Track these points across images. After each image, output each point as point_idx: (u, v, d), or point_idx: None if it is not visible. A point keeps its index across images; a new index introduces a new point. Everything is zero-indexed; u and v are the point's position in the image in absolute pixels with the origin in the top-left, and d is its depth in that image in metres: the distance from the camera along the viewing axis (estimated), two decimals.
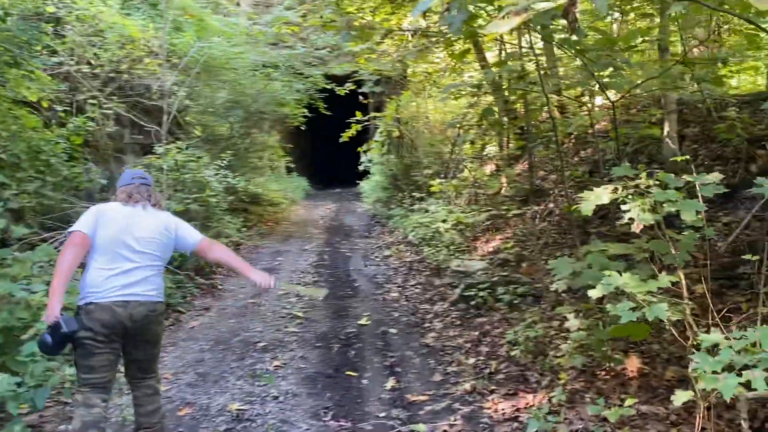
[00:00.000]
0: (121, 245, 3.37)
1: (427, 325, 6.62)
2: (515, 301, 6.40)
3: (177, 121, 11.92)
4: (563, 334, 5.26)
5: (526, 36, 8.01)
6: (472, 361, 5.45)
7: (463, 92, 8.87)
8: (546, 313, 6.02)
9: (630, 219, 3.10)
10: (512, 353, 5.28)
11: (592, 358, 4.60)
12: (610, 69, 5.61)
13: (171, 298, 7.05)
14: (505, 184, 10.04)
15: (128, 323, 3.30)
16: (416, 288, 8.08)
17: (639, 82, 5.93)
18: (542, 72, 5.62)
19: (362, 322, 6.78)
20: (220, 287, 8.29)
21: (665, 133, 6.86)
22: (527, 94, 6.98)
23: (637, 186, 3.20)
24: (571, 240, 7.45)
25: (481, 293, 6.74)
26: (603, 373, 4.64)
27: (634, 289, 2.97)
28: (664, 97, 6.76)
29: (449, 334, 6.23)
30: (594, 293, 3.17)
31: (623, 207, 3.15)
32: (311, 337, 6.30)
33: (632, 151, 8.25)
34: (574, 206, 8.04)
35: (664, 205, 3.04)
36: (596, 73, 5.95)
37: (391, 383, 5.11)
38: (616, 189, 3.26)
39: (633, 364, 4.48)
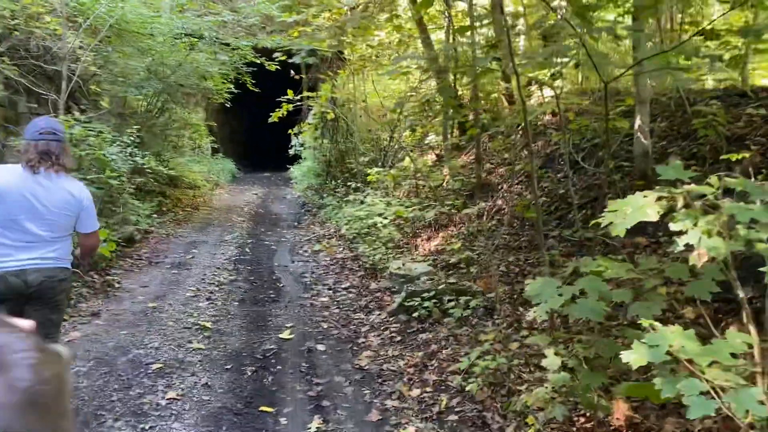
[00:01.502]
0: (20, 220, 3.24)
1: (361, 340, 5.51)
2: (465, 314, 5.37)
3: (81, 90, 10.30)
4: (530, 366, 4.25)
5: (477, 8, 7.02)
6: (416, 393, 4.38)
7: (414, 66, 7.75)
8: (502, 331, 5.02)
9: (687, 246, 2.06)
10: (466, 386, 4.23)
11: (572, 403, 3.60)
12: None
13: None
14: (448, 177, 9.03)
15: (24, 290, 3.26)
16: (349, 292, 6.95)
17: (631, 63, 4.95)
18: (505, 47, 4.57)
19: (284, 335, 5.60)
20: (117, 286, 6.90)
21: (636, 126, 5.96)
22: (480, 77, 5.94)
23: (702, 197, 2.14)
24: (525, 242, 6.49)
25: (426, 303, 5.68)
26: (583, 419, 3.67)
27: (697, 356, 1.95)
28: (638, 85, 5.85)
29: (388, 353, 5.14)
30: (633, 359, 2.11)
31: (674, 226, 2.12)
32: (220, 356, 5.07)
33: (590, 146, 7.37)
34: (521, 205, 7.13)
35: (740, 226, 1.99)
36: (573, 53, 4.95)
37: (315, 424, 3.98)
38: (667, 199, 2.21)
39: (621, 412, 3.51)
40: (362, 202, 9.55)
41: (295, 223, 11.87)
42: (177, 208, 12.32)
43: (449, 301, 5.62)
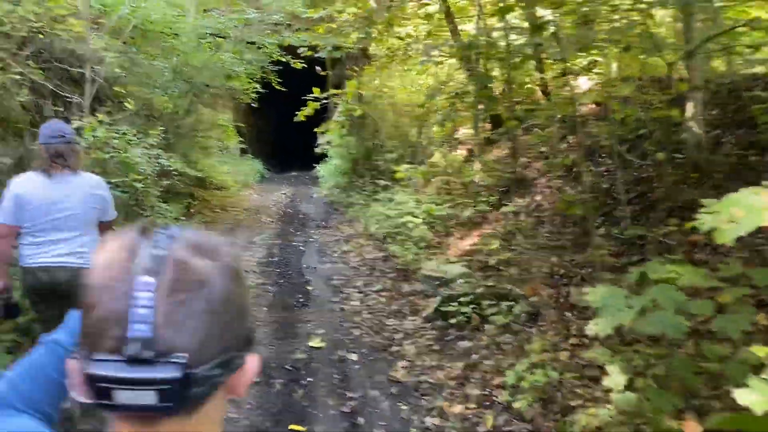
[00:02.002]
0: (48, 224, 3.40)
1: (395, 348, 5.14)
2: (507, 321, 4.96)
3: (107, 92, 10.11)
4: (585, 379, 3.84)
5: None
6: (458, 409, 4.00)
7: (446, 54, 7.29)
8: (549, 339, 4.60)
9: None
10: (514, 403, 3.83)
11: (636, 425, 3.18)
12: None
13: None
14: (480, 172, 8.59)
15: (52, 287, 3.40)
16: (381, 295, 6.58)
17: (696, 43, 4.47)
18: (549, 32, 4.13)
19: (315, 343, 5.25)
20: None
21: (689, 114, 5.47)
22: (521, 64, 5.47)
23: None
24: (569, 241, 6.05)
25: (464, 309, 5.29)
26: None
27: None
28: (691, 70, 5.36)
29: (425, 363, 4.76)
30: (753, 402, 1.69)
31: None
32: None
33: (635, 137, 6.88)
34: (564, 202, 6.68)
35: None
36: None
37: None
38: None
39: None
40: (391, 200, 9.17)
41: (323, 223, 11.54)
42: (205, 210, 12.10)
43: (489, 306, 5.21)
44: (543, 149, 8.56)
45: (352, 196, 12.06)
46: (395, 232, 8.22)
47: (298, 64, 11.48)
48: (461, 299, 5.39)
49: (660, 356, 2.98)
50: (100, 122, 7.92)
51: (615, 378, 2.89)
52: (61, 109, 9.66)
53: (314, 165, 17.06)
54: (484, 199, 7.74)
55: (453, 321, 5.27)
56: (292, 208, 13.49)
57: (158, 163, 8.39)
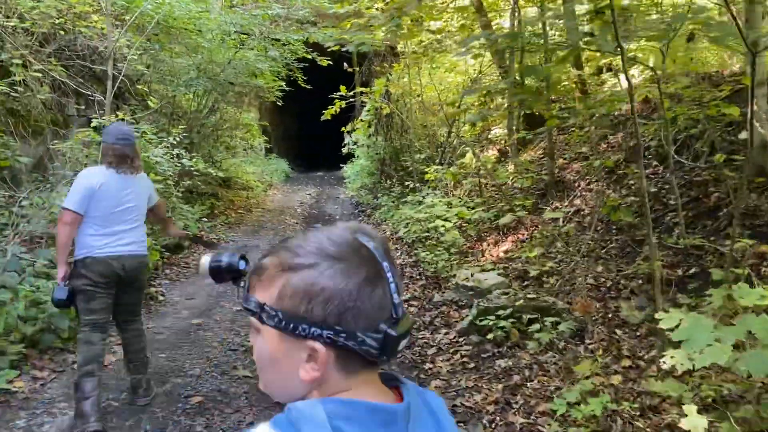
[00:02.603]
0: (115, 215, 3.66)
1: (428, 366, 4.72)
2: (552, 339, 4.51)
3: (129, 90, 9.86)
4: (644, 409, 3.38)
5: None
6: None
7: (484, 47, 6.80)
8: (598, 359, 4.14)
9: None
10: None
11: None
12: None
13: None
14: (515, 174, 8.12)
15: (121, 273, 3.66)
16: (410, 305, 6.16)
17: None
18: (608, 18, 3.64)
19: None
20: (161, 298, 6.31)
21: (752, 112, 4.94)
22: (571, 55, 4.96)
23: None
24: (615, 250, 5.57)
25: (502, 323, 4.84)
26: None
27: None
28: (755, 64, 4.83)
29: (461, 383, 4.34)
30: None
31: None
32: None
33: (685, 137, 6.36)
34: (608, 207, 6.18)
35: None
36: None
37: None
38: None
39: None
40: (420, 203, 8.75)
41: None
42: (229, 211, 11.81)
43: (530, 321, 4.76)
44: (581, 150, 8.07)
45: (379, 197, 11.67)
46: (424, 237, 7.80)
47: (325, 62, 11.12)
48: (499, 312, 4.95)
49: (743, 390, 2.52)
50: (121, 121, 7.64)
51: (694, 420, 2.44)
52: (83, 107, 9.44)
53: (340, 165, 16.72)
54: (520, 202, 7.28)
55: (490, 336, 4.84)
56: (317, 209, 13.15)
57: (180, 163, 8.07)
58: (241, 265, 1.26)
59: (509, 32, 5.22)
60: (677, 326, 2.39)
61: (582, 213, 6.76)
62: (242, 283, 0.95)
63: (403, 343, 0.85)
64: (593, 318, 4.58)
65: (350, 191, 14.79)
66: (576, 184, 7.35)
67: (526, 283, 5.86)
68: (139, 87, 9.31)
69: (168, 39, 10.08)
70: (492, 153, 10.54)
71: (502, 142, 10.34)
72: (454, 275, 6.56)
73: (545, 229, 6.70)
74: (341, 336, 0.81)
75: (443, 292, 6.28)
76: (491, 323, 4.89)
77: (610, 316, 4.66)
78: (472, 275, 5.69)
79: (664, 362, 2.38)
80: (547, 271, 5.60)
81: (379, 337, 0.82)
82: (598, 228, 6.37)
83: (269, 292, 0.86)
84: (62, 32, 8.86)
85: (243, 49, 10.86)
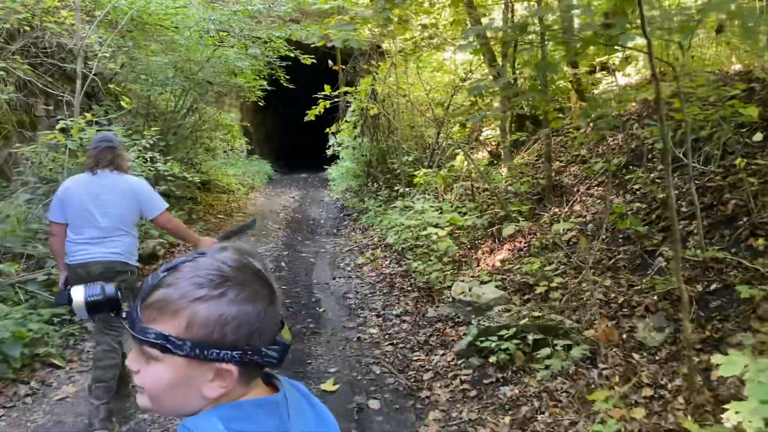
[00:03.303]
0: (86, 218, 3.60)
1: (425, 393, 4.24)
2: (562, 364, 4.05)
3: (101, 89, 9.26)
4: None
5: None
6: None
7: (479, 41, 6.32)
8: (615, 389, 3.69)
9: None
10: None
11: None
12: None
13: (41, 345, 4.54)
14: (509, 178, 7.67)
15: (87, 279, 3.34)
16: (403, 321, 5.68)
17: None
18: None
19: (328, 386, 4.36)
20: None
21: None
22: (589, 46, 4.48)
23: None
24: (624, 261, 5.13)
25: (505, 345, 4.38)
26: None
27: None
28: None
29: (462, 415, 3.87)
30: None
31: None
32: None
33: (693, 139, 5.93)
34: (616, 213, 5.74)
35: None
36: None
37: None
38: None
39: None
40: (409, 208, 8.26)
41: (335, 230, 10.67)
42: (209, 215, 11.25)
43: (536, 342, 4.30)
44: (578, 152, 7.64)
45: (366, 201, 11.18)
46: (415, 245, 7.34)
47: (308, 60, 10.61)
48: (501, 332, 4.49)
49: None
50: (90, 122, 7.08)
51: None
52: (52, 108, 8.85)
53: (324, 167, 16.20)
54: (516, 207, 6.82)
55: (492, 359, 4.37)
56: (301, 213, 12.63)
57: (153, 167, 7.51)
58: (119, 295, 1.14)
59: (519, 22, 4.74)
60: (741, 373, 1.94)
61: (584, 219, 6.32)
62: (124, 315, 0.94)
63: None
64: (606, 339, 4.13)
65: (335, 194, 14.29)
66: (575, 189, 6.91)
67: (526, 297, 5.41)
68: (111, 86, 8.72)
69: (143, 36, 9.51)
70: (482, 156, 10.10)
71: (494, 144, 9.90)
72: (449, 287, 6.09)
73: (544, 236, 6.25)
74: (248, 354, 0.89)
75: (437, 306, 5.81)
76: (493, 344, 4.42)
77: (624, 336, 4.21)
78: (470, 289, 5.22)
79: (725, 419, 1.92)
80: (551, 285, 5.15)
81: (278, 348, 0.94)
82: (603, 237, 5.94)
83: (174, 323, 0.88)
84: (28, 28, 8.27)
85: (222, 46, 10.31)
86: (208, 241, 4.09)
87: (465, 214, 7.66)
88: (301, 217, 12.14)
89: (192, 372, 0.88)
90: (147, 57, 9.46)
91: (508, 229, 5.15)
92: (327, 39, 8.48)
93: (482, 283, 5.76)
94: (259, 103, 13.60)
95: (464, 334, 4.91)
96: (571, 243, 6.00)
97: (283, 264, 8.06)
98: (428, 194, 8.87)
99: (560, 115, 7.43)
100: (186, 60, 9.92)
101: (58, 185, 3.87)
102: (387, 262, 7.85)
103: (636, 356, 4.00)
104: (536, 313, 4.62)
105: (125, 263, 3.67)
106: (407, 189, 9.53)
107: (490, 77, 9.80)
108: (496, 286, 5.64)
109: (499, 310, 4.82)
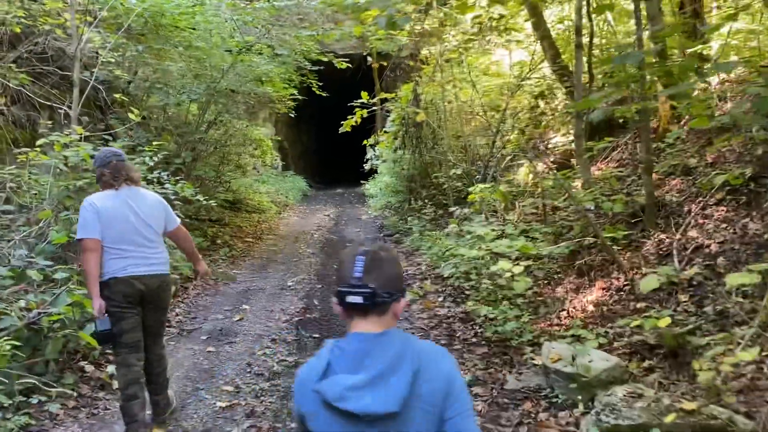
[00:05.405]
0: (131, 236, 3.46)
1: None
2: None
3: (106, 100, 7.92)
4: None
5: None
6: None
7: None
8: None
9: None
10: None
11: None
12: None
13: None
14: (592, 194, 6.00)
15: (144, 292, 3.48)
16: (475, 394, 4.07)
17: None
18: None
19: None
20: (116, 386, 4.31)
21: None
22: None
23: None
24: None
25: None
26: None
27: None
28: None
29: None
30: None
31: None
32: None
33: None
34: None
35: None
36: None
37: None
38: None
39: None
40: (466, 231, 6.65)
41: None
42: (236, 239, 9.85)
43: None
44: (677, 162, 5.95)
45: (409, 220, 9.63)
46: (476, 281, 5.74)
47: (342, 64, 9.18)
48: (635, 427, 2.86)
49: None
50: (82, 138, 5.72)
51: None
52: (50, 122, 7.55)
53: (362, 181, 14.72)
54: (610, 234, 5.18)
55: None
56: (336, 234, 11.12)
57: (162, 190, 6.10)
58: None
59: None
60: None
61: (704, 249, 4.64)
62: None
63: (349, 297, 1.40)
64: None
65: (373, 211, 12.78)
66: (685, 209, 5.23)
67: (648, 363, 3.77)
68: (117, 96, 7.38)
69: (157, 40, 8.17)
70: (542, 167, 8.46)
71: (559, 153, 8.25)
72: (530, 342, 4.49)
73: (653, 271, 4.59)
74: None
75: (519, 372, 4.20)
76: None
77: None
78: (573, 358, 3.59)
79: None
80: (688, 347, 3.49)
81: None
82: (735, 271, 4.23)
83: None
84: (24, 32, 7.02)
85: (247, 52, 8.93)
86: (203, 266, 4.05)
87: (535, 239, 6.05)
88: (336, 239, 10.63)
89: None
90: (160, 62, 8.13)
91: (650, 283, 3.50)
92: (363, 38, 7.05)
93: (577, 339, 4.14)
94: (293, 117, 12.25)
95: (569, 423, 3.29)
96: (694, 283, 4.33)
97: (315, 302, 6.53)
98: (485, 214, 7.26)
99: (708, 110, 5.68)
100: (206, 66, 8.57)
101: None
102: (440, 299, 6.27)
103: None
104: (687, 404, 2.98)
105: (169, 274, 3.67)
106: (458, 208, 7.93)
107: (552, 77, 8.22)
108: (600, 345, 4.02)
109: (624, 395, 3.19)
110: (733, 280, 2.90)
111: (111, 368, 4.50)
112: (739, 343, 2.90)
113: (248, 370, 4.66)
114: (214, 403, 4.08)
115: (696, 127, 5.81)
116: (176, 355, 4.93)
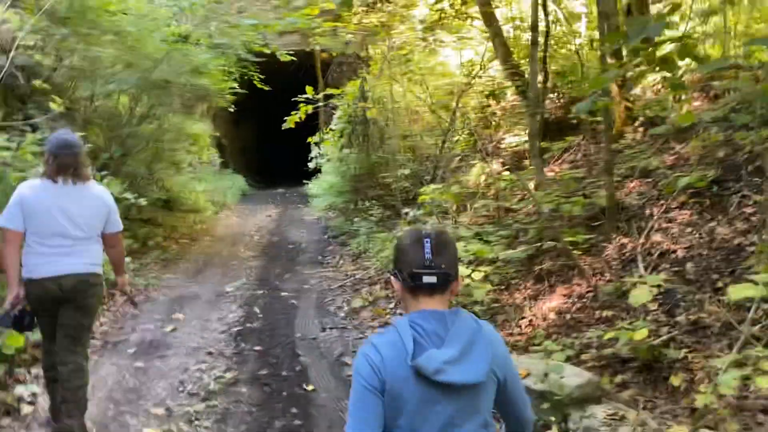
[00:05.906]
0: (53, 227, 3.25)
1: None
2: None
3: (26, 88, 7.13)
4: None
5: None
6: None
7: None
8: None
9: None
10: None
11: None
12: None
13: None
14: (547, 196, 5.74)
15: (59, 294, 3.25)
16: None
17: None
18: None
19: None
20: (24, 410, 3.69)
21: None
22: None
23: None
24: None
25: None
26: None
27: None
28: None
29: None
30: None
31: None
32: None
33: None
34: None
35: None
36: None
37: None
38: None
39: None
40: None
41: (320, 258, 8.65)
42: (169, 241, 9.17)
43: None
44: (635, 164, 5.78)
45: (355, 222, 9.21)
46: None
47: (286, 57, 8.65)
48: None
49: None
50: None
51: None
52: None
53: (304, 181, 14.17)
54: (569, 237, 4.92)
55: None
56: (278, 236, 10.58)
57: None
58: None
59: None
60: None
61: (670, 255, 4.44)
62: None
63: (425, 278, 1.48)
64: None
65: (317, 212, 12.29)
66: (646, 212, 5.03)
67: (621, 378, 3.49)
68: (37, 83, 6.62)
69: (83, 23, 7.42)
70: (496, 167, 8.22)
71: (510, 153, 8.03)
72: None
73: (618, 277, 4.35)
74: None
75: None
76: None
77: None
78: (546, 375, 3.25)
79: None
80: (664, 361, 3.23)
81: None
82: (708, 278, 4.04)
83: None
84: None
85: (185, 42, 8.28)
86: (124, 280, 3.79)
87: (489, 242, 5.75)
88: (278, 241, 10.09)
89: None
90: (88, 49, 7.39)
91: (641, 296, 3.20)
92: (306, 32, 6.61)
93: (546, 351, 3.82)
94: (233, 112, 11.60)
95: None
96: (662, 291, 4.09)
97: (256, 310, 6.01)
98: (436, 215, 6.93)
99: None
100: (139, 54, 7.87)
101: None
102: (391, 305, 5.89)
103: None
104: (677, 428, 2.69)
105: (97, 275, 3.41)
106: (408, 210, 7.58)
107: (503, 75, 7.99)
108: (567, 357, 3.72)
109: (604, 417, 2.87)
110: (736, 293, 2.63)
111: (19, 389, 3.90)
112: (744, 364, 2.63)
113: (181, 389, 4.12)
114: (141, 430, 3.54)
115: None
116: (98, 372, 4.32)
